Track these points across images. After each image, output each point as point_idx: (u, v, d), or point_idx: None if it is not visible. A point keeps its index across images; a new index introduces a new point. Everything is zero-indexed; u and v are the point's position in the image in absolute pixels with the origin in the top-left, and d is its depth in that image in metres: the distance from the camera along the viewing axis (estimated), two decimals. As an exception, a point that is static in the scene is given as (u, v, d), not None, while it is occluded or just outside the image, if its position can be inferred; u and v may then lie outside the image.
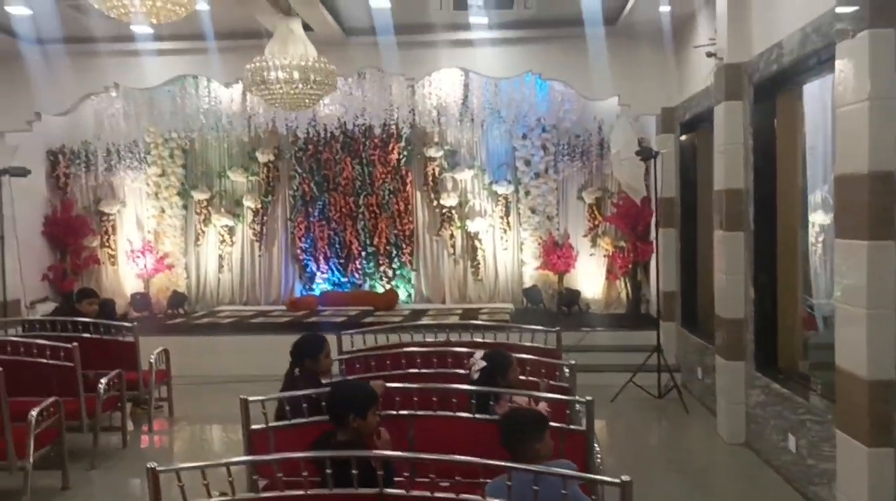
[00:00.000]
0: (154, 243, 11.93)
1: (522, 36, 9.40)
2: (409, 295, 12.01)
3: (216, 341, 9.79)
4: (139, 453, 6.98)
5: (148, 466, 3.09)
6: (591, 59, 9.16)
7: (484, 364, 4.52)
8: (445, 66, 10.02)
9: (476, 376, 4.50)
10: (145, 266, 11.77)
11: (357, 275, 12.01)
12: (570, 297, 11.01)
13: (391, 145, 11.73)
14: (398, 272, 11.98)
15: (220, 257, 12.14)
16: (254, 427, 4.20)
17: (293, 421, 4.18)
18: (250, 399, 4.20)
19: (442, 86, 10.97)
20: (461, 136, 11.74)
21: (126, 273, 11.89)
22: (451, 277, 11.94)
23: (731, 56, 6.65)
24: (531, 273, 11.59)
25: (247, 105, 11.25)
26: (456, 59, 9.80)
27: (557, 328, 6.32)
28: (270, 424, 4.20)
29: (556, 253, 11.27)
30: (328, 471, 3.06)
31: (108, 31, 9.08)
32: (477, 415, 4.16)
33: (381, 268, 11.96)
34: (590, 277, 11.33)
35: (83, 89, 10.03)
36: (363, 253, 11.96)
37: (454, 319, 10.17)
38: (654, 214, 10.07)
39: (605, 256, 11.24)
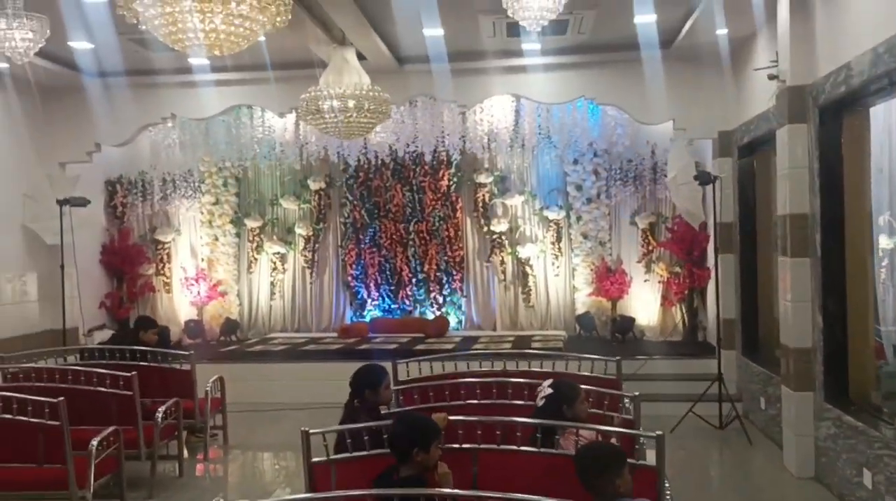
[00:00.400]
0: (207, 270, 12.06)
1: (576, 61, 9.33)
2: (460, 322, 11.93)
3: (269, 368, 9.83)
4: (196, 482, 6.97)
5: (215, 501, 3.05)
6: (646, 84, 9.05)
7: (550, 391, 4.41)
8: (498, 92, 9.98)
9: (541, 403, 4.39)
10: (199, 293, 11.90)
11: (407, 302, 11.98)
12: (625, 324, 10.81)
13: (441, 172, 11.73)
14: (448, 298, 11.92)
15: (272, 284, 12.22)
16: (315, 459, 4.14)
17: (354, 454, 4.11)
18: (311, 431, 4.15)
19: (493, 112, 10.93)
20: (511, 162, 11.70)
21: (180, 300, 12.03)
22: (502, 304, 11.84)
23: (794, 78, 6.48)
24: (583, 299, 11.43)
25: (299, 134, 11.36)
26: (508, 85, 9.76)
27: (617, 357, 6.17)
28: (332, 457, 4.14)
29: (609, 279, 11.09)
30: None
31: (166, 64, 9.26)
32: (542, 449, 4.05)
33: (432, 295, 11.91)
34: (644, 304, 11.13)
35: (141, 120, 10.21)
36: (413, 280, 11.93)
37: (506, 346, 10.07)
38: (710, 239, 9.89)
39: (659, 282, 11.02)
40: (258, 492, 6.87)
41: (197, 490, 6.78)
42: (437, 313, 11.83)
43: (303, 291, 12.23)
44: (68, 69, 9.33)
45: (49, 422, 5.19)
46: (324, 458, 4.13)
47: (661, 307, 11.01)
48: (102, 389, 6.21)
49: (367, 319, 11.91)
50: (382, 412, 4.77)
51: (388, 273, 12.01)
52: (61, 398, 5.22)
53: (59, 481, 5.21)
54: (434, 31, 8.31)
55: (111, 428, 5.67)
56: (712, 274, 9.57)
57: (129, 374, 6.23)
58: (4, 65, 8.81)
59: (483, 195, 11.74)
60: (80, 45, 8.54)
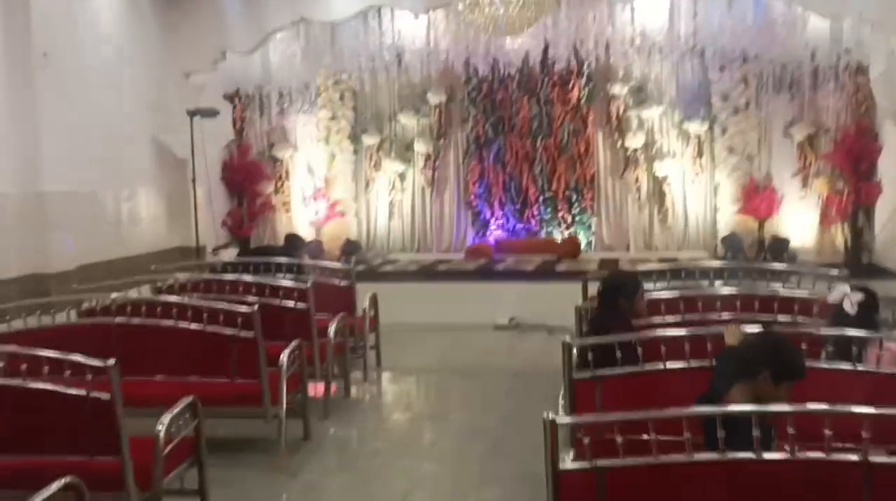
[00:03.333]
0: (325, 189, 11.58)
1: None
2: (589, 243, 11.29)
3: (404, 288, 9.31)
4: (360, 404, 6.57)
5: (547, 417, 2.55)
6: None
7: (861, 295, 3.79)
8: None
9: (855, 310, 3.76)
10: (317, 212, 11.46)
11: (533, 222, 11.36)
12: (778, 245, 9.99)
13: (571, 82, 10.95)
14: (577, 218, 11.26)
15: (391, 204, 11.70)
16: (577, 376, 3.63)
17: (626, 369, 3.58)
18: (574, 342, 3.63)
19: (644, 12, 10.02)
20: (648, 71, 10.84)
21: (300, 220, 11.58)
22: (636, 224, 11.15)
23: None
24: (727, 219, 10.63)
25: (430, 40, 10.55)
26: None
27: (846, 270, 5.51)
28: (597, 373, 3.61)
29: (759, 197, 10.26)
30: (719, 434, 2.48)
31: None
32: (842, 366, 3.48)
33: (560, 214, 11.26)
34: (798, 223, 10.26)
35: (270, 25, 9.55)
36: (540, 199, 11.28)
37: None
38: (881, 151, 9.04)
39: (819, 199, 10.13)
40: (428, 413, 6.49)
41: (371, 410, 6.47)
42: (565, 233, 11.21)
43: (422, 211, 11.69)
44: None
45: (242, 334, 4.77)
46: (587, 374, 3.62)
47: (819, 226, 10.15)
48: (276, 302, 5.77)
49: (491, 240, 11.36)
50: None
51: (513, 192, 11.37)
52: (255, 307, 4.77)
53: (252, 396, 4.81)
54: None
55: (296, 342, 5.24)
56: (882, 190, 8.76)
57: (304, 287, 5.77)
58: (133, -35, 8.27)
59: (617, 107, 10.95)
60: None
